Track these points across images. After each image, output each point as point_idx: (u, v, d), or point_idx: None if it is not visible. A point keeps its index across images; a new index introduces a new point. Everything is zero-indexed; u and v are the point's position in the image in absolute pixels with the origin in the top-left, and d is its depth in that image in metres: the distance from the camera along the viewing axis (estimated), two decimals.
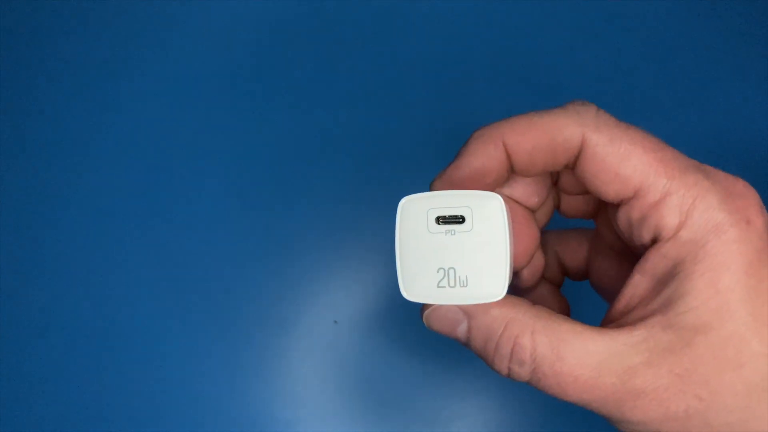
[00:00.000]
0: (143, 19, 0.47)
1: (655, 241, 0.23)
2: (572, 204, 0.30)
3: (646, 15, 0.47)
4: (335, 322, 0.42)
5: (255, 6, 0.47)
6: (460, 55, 0.46)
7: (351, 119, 0.45)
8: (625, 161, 0.23)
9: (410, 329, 0.42)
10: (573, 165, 0.25)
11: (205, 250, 0.43)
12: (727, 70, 0.46)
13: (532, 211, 0.30)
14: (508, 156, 0.25)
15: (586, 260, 0.32)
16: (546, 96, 0.45)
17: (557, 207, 0.31)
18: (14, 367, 0.42)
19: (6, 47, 0.47)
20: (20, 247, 0.43)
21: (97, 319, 0.42)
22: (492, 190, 0.26)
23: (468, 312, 0.25)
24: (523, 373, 0.24)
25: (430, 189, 0.27)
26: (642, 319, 0.23)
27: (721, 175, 0.23)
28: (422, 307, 0.26)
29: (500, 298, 0.24)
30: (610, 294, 0.31)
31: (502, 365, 0.24)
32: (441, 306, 0.25)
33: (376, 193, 0.44)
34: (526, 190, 0.29)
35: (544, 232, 0.33)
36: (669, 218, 0.22)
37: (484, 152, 0.25)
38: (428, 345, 0.42)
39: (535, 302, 0.31)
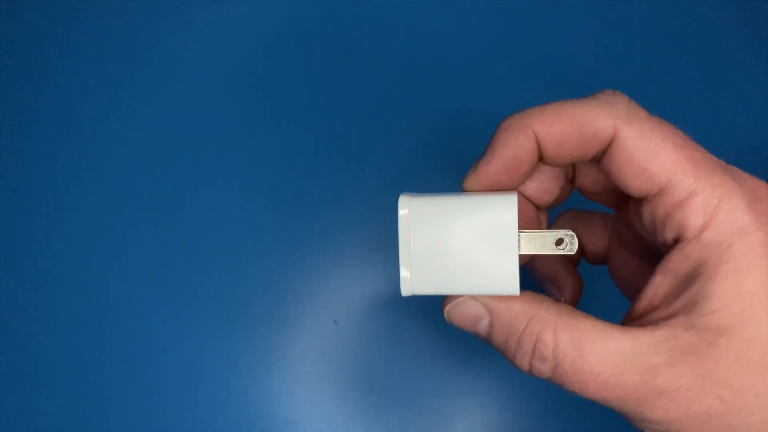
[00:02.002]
0: (151, 17, 0.47)
1: (677, 240, 0.23)
2: (593, 190, 0.29)
3: (652, 10, 0.47)
4: (335, 322, 0.42)
5: (261, 7, 0.47)
6: (462, 51, 0.46)
7: (351, 119, 0.45)
8: (654, 157, 0.23)
9: (410, 329, 0.42)
10: (600, 157, 0.25)
11: (204, 250, 0.43)
12: (734, 68, 0.46)
13: (539, 209, 0.29)
14: (538, 146, 0.25)
15: (606, 248, 0.32)
16: (550, 92, 0.44)
17: (578, 188, 0.30)
18: (15, 367, 0.41)
19: (8, 47, 0.46)
20: (22, 243, 0.43)
21: (97, 318, 0.42)
22: (524, 181, 0.26)
23: (490, 308, 0.25)
24: (544, 369, 0.24)
25: (462, 185, 0.26)
26: (664, 319, 0.23)
27: (746, 177, 0.23)
28: (443, 302, 0.26)
29: (516, 293, 0.24)
30: (626, 286, 0.31)
31: (524, 361, 0.24)
32: (463, 302, 0.25)
33: (377, 193, 0.43)
34: (540, 188, 0.28)
35: (569, 210, 0.33)
36: (693, 218, 0.22)
37: (516, 143, 0.25)
38: (428, 345, 0.42)
39: (549, 276, 0.31)
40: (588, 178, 0.28)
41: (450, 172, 0.43)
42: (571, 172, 0.29)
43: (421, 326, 0.42)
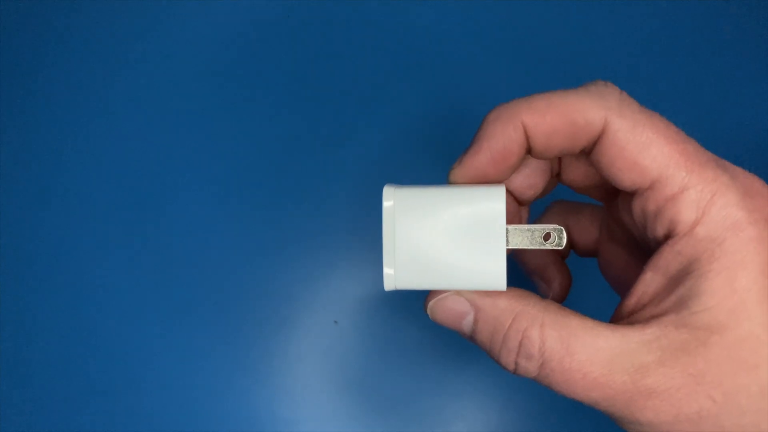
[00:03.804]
0: (139, 15, 0.47)
1: (668, 235, 0.23)
2: (580, 185, 0.29)
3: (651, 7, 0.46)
4: (335, 322, 0.42)
5: (248, 5, 0.47)
6: (447, 40, 0.46)
7: (349, 118, 0.45)
8: (646, 150, 0.22)
9: (410, 329, 0.42)
10: (590, 150, 0.24)
11: (204, 250, 0.43)
12: (731, 64, 0.45)
13: (521, 204, 0.29)
14: (527, 137, 0.24)
15: (596, 240, 0.31)
16: (539, 82, 0.44)
17: (564, 182, 0.29)
18: (13, 370, 0.42)
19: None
20: (14, 248, 0.43)
21: (97, 320, 0.42)
22: (511, 174, 0.26)
23: (475, 304, 0.24)
24: (530, 367, 0.23)
25: (449, 177, 0.26)
26: (655, 317, 0.22)
27: (739, 171, 0.22)
28: (426, 298, 0.26)
29: (503, 288, 0.23)
30: (616, 280, 0.30)
31: (509, 359, 0.24)
32: (447, 297, 0.25)
33: (375, 192, 0.43)
34: (524, 182, 0.28)
35: (559, 201, 0.32)
36: (685, 213, 0.22)
37: (504, 134, 0.24)
38: (428, 345, 0.41)
39: (538, 269, 0.31)
40: (576, 173, 0.28)
41: (446, 164, 0.42)
42: (556, 166, 0.28)
43: (421, 326, 0.42)
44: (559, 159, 0.28)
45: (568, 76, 0.44)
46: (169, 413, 0.41)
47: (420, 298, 0.41)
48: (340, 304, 0.42)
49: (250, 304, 0.42)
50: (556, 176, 0.28)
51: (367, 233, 0.43)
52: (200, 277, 0.42)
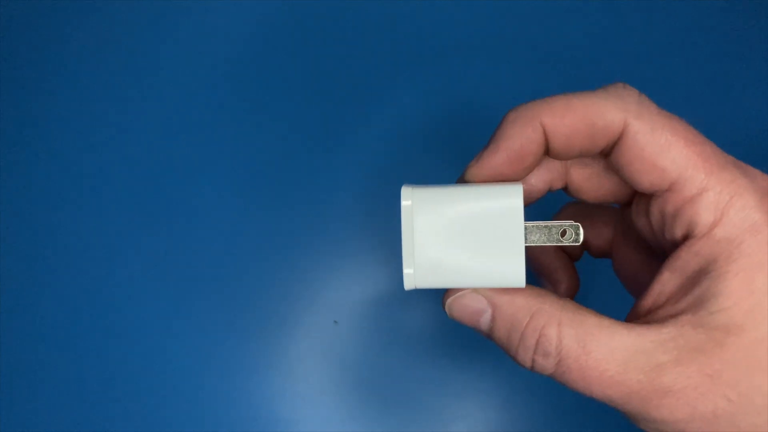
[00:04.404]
0: (143, 16, 0.47)
1: (686, 237, 0.23)
2: (591, 194, 0.29)
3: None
4: (335, 322, 0.42)
5: (251, 5, 0.47)
6: (456, 37, 0.46)
7: (350, 118, 0.45)
8: (665, 152, 0.22)
9: (410, 329, 0.42)
10: (609, 152, 0.24)
11: (204, 250, 0.43)
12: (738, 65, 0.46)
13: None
14: (546, 138, 0.24)
15: (611, 241, 0.31)
16: (551, 83, 0.44)
17: (573, 192, 0.29)
18: (18, 371, 0.41)
19: (3, 47, 0.46)
20: (24, 247, 0.43)
21: (97, 318, 0.42)
22: (527, 174, 0.26)
23: (492, 301, 0.24)
24: (547, 365, 0.23)
25: (465, 175, 0.26)
26: (671, 316, 0.22)
27: (758, 173, 0.23)
28: (444, 296, 0.26)
29: (521, 285, 0.24)
30: (631, 281, 0.30)
31: (527, 357, 0.24)
32: (464, 295, 0.25)
33: (376, 192, 0.43)
34: (531, 190, 0.28)
35: (572, 203, 0.32)
36: (704, 215, 0.22)
37: (522, 134, 0.24)
38: (428, 345, 0.41)
39: (546, 270, 0.31)
40: (586, 181, 0.28)
41: (451, 164, 0.42)
42: (561, 181, 0.28)
43: (422, 326, 0.42)
44: (567, 173, 0.28)
45: (569, 76, 0.44)
46: (169, 413, 0.41)
47: (421, 296, 0.41)
48: (340, 304, 0.42)
49: (250, 304, 0.42)
50: (563, 190, 0.29)
51: (367, 233, 0.43)
52: (200, 277, 0.42)
